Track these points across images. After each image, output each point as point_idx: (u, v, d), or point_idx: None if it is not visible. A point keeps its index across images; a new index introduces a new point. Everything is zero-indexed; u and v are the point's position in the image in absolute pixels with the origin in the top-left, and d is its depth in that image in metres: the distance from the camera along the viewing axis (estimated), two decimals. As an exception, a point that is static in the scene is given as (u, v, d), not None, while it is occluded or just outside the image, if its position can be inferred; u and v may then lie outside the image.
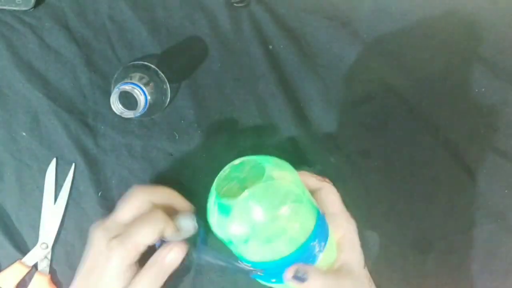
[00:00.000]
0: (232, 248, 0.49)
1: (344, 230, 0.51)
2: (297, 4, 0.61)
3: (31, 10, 0.60)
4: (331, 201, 0.53)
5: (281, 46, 0.61)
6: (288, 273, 0.46)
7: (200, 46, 0.61)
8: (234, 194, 0.45)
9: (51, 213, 0.61)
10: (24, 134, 0.61)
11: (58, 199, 0.61)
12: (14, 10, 0.60)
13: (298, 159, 0.61)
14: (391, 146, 0.62)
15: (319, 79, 0.62)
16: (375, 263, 0.60)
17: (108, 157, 0.61)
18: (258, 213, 0.44)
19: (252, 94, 0.61)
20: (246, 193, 0.45)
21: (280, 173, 0.47)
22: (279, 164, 0.49)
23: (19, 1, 0.59)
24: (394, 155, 0.62)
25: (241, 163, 0.49)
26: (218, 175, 0.50)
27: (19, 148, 0.61)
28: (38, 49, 0.61)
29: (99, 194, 0.61)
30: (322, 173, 0.60)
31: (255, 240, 0.45)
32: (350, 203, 0.59)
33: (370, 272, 0.58)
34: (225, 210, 0.46)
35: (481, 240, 0.61)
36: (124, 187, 0.61)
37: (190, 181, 0.61)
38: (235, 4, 0.60)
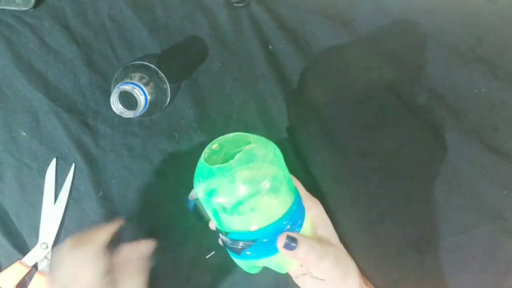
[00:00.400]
0: (217, 219, 0.50)
1: (314, 211, 0.55)
2: (297, 4, 0.61)
3: (31, 10, 0.60)
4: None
5: (281, 46, 0.61)
6: (280, 242, 0.49)
7: (200, 46, 0.62)
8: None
9: (51, 213, 0.61)
10: (24, 134, 0.61)
11: (58, 199, 0.61)
12: (14, 10, 0.60)
13: (297, 158, 0.61)
14: (390, 145, 0.62)
15: (319, 78, 0.62)
16: (374, 263, 0.60)
17: (108, 157, 0.61)
18: (241, 181, 0.47)
19: (251, 94, 0.62)
20: (234, 160, 0.47)
21: (264, 150, 0.49)
22: (266, 144, 0.51)
23: (19, 1, 0.59)
24: (393, 155, 0.62)
25: (229, 139, 0.52)
26: (207, 147, 0.52)
27: (19, 148, 0.61)
28: (38, 49, 0.61)
29: (99, 194, 0.61)
30: (321, 172, 0.60)
31: (239, 208, 0.47)
32: (349, 202, 0.60)
33: (368, 270, 0.59)
34: (211, 177, 0.48)
35: (480, 241, 0.61)
36: (124, 187, 0.62)
37: (190, 181, 0.61)
38: (235, 4, 0.60)
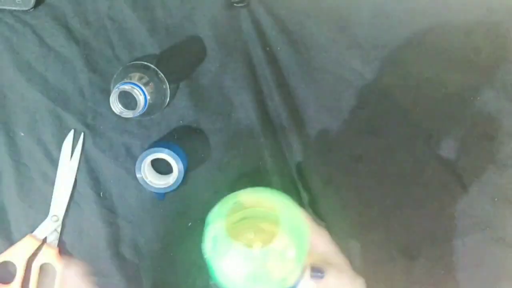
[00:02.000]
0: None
1: (322, 247, 0.50)
2: (297, 6, 0.61)
3: (31, 10, 0.60)
4: None
5: (278, 48, 0.61)
6: (308, 274, 0.46)
7: (199, 46, 0.62)
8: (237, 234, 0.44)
9: (63, 186, 0.61)
10: (22, 134, 0.61)
11: (69, 170, 0.61)
12: (14, 10, 0.60)
13: (290, 161, 0.62)
14: (383, 151, 0.62)
15: (314, 82, 0.62)
16: (364, 267, 0.60)
17: (107, 157, 0.62)
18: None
19: (250, 95, 0.62)
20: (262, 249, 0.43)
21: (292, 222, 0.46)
22: (293, 215, 0.47)
23: (19, 1, 0.59)
24: (386, 161, 0.62)
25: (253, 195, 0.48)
26: (223, 202, 0.47)
27: (18, 148, 0.61)
28: (38, 49, 0.61)
29: (99, 194, 0.61)
30: (314, 176, 0.60)
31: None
32: (341, 207, 0.60)
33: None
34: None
35: (469, 248, 0.62)
36: (123, 187, 0.62)
37: (189, 181, 0.61)
38: (235, 4, 0.60)
